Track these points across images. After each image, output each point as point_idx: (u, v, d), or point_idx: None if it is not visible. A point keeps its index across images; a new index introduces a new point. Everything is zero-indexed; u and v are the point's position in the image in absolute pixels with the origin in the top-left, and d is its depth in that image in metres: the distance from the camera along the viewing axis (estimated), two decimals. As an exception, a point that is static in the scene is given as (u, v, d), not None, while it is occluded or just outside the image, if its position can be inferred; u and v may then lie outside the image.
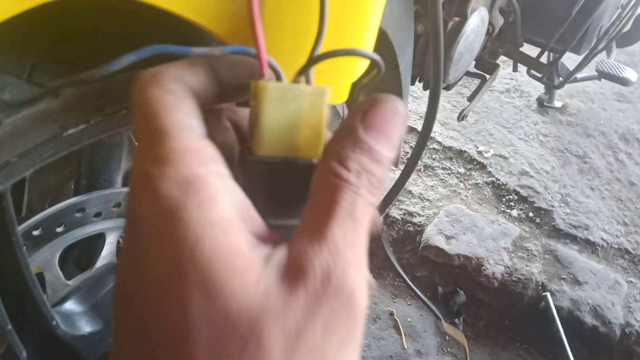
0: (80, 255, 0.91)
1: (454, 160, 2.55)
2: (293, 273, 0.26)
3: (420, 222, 2.15)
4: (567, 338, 1.83)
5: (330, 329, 0.26)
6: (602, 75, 2.52)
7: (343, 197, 0.29)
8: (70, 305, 0.81)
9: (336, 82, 0.42)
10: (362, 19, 0.51)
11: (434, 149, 2.59)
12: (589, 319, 1.89)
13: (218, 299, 0.24)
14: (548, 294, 1.92)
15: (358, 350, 0.28)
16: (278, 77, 0.37)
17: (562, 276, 2.02)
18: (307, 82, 0.38)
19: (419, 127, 2.61)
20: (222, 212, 0.26)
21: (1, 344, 0.69)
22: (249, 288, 0.24)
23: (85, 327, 0.78)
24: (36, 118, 0.45)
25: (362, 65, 0.57)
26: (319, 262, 0.26)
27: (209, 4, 0.41)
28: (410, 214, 2.18)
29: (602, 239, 2.24)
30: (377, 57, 0.37)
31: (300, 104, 0.36)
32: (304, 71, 0.38)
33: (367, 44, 0.56)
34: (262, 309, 0.24)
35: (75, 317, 0.79)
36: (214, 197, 0.26)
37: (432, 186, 2.37)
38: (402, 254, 2.10)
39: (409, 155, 2.43)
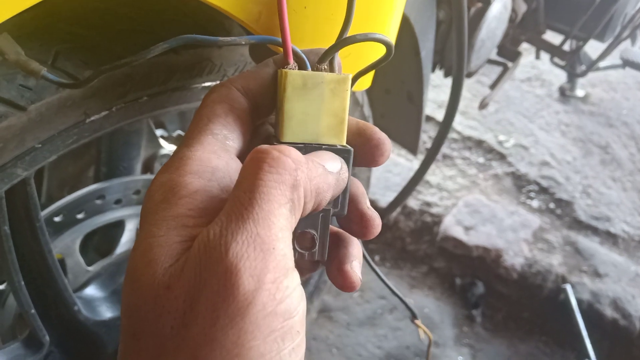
0: (100, 242, 0.92)
1: (473, 150, 2.52)
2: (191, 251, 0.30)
3: (438, 212, 2.13)
4: (586, 331, 1.81)
5: (208, 304, 0.28)
6: (626, 63, 2.47)
7: (242, 175, 0.31)
8: (91, 291, 0.81)
9: (359, 69, 0.42)
10: (387, 5, 0.50)
11: (453, 138, 2.56)
12: (609, 312, 1.87)
13: (135, 282, 0.31)
14: (568, 286, 1.90)
15: (247, 339, 0.28)
16: (303, 65, 0.37)
17: (583, 268, 1.99)
18: (332, 69, 0.38)
19: (438, 116, 2.59)
20: (176, 211, 0.32)
21: (24, 329, 0.70)
22: (159, 271, 0.30)
23: (106, 312, 0.79)
24: (60, 104, 0.45)
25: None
26: (201, 236, 0.30)
27: (232, -11, 0.40)
28: (428, 204, 2.16)
29: (624, 230, 2.20)
30: (391, 42, 0.37)
31: (323, 91, 0.36)
32: (325, 58, 0.38)
33: (392, 29, 0.55)
34: (165, 285, 0.29)
35: (96, 302, 0.80)
36: (177, 198, 0.32)
37: (450, 176, 2.35)
38: (419, 245, 2.09)
39: (427, 145, 2.41)
